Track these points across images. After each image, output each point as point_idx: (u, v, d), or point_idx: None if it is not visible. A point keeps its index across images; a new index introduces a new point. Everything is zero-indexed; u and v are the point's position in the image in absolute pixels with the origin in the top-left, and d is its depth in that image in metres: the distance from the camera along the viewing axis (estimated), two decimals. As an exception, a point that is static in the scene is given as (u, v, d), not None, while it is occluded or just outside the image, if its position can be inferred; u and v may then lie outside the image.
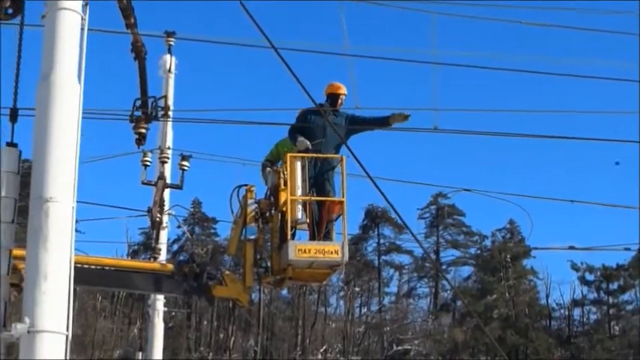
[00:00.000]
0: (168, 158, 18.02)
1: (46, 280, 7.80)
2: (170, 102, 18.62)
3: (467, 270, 76.65)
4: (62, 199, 7.98)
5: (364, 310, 75.80)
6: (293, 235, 12.80)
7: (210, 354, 67.09)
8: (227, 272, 13.07)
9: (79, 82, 8.41)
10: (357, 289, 73.76)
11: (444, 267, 75.43)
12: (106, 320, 69.09)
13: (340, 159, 13.26)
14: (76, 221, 8.33)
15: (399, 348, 67.06)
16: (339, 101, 14.10)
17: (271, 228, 13.20)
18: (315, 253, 12.46)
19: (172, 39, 19.31)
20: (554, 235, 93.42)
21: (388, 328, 68.94)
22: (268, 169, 13.74)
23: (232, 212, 13.32)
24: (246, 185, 13.34)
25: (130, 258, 54.83)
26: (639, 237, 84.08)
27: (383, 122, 14.02)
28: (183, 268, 12.69)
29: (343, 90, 14.20)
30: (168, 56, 19.62)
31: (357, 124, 13.97)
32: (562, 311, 72.56)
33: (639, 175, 59.51)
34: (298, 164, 13.03)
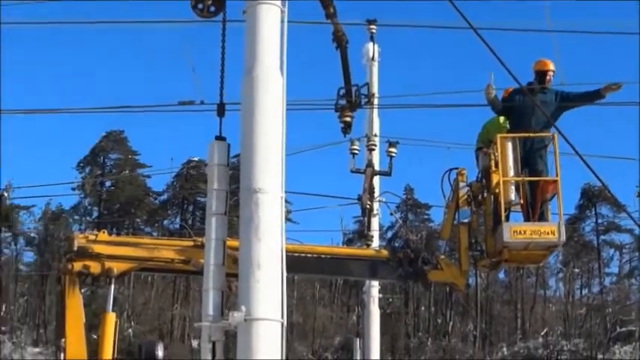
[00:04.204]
0: (375, 145, 18.07)
1: (260, 269, 7.93)
2: (375, 89, 18.67)
3: (692, 247, 73.11)
4: (271, 190, 8.09)
5: (585, 291, 73.86)
6: (507, 217, 12.55)
7: (429, 339, 67.05)
8: (442, 257, 12.97)
9: (282, 74, 8.48)
10: (576, 270, 71.88)
11: (666, 245, 72.27)
12: (324, 308, 70.34)
13: (552, 137, 12.91)
14: (290, 211, 8.42)
15: (623, 329, 64.77)
16: (547, 77, 13.71)
17: (484, 210, 13.05)
18: (531, 234, 12.21)
19: (374, 26, 19.40)
20: None
21: (610, 310, 66.78)
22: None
23: (444, 196, 13.24)
24: (456, 168, 13.20)
25: (345, 246, 55.50)
26: None
27: (594, 95, 13.52)
28: (397, 254, 12.69)
29: (551, 66, 13.80)
30: (370, 44, 19.74)
31: (569, 100, 13.57)
32: None
33: None
34: (509, 144, 12.78)
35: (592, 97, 13.55)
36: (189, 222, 70.66)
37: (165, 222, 76.74)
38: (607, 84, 13.39)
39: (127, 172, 76.05)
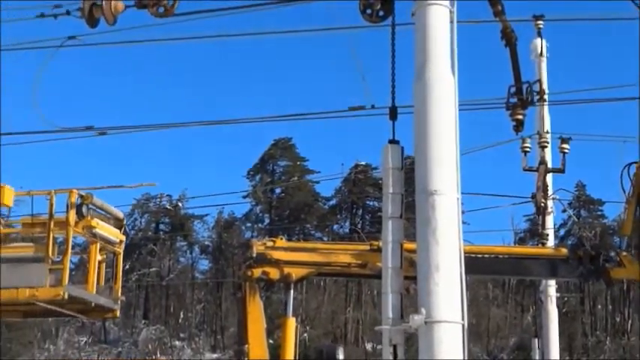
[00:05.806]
0: (547, 143, 17.81)
1: (438, 271, 7.93)
2: (544, 85, 18.38)
3: None
4: (447, 191, 8.08)
5: None
6: (690, 212, 12.12)
7: (607, 338, 65.31)
8: (624, 253, 12.64)
9: (454, 75, 8.44)
10: None
11: None
12: (498, 309, 69.52)
13: None
14: (462, 212, 8.36)
15: None
16: None
17: (667, 204, 12.61)
18: None
19: (541, 22, 19.09)
20: None
21: None
22: None
23: (624, 192, 12.87)
24: (636, 162, 12.81)
25: (516, 245, 54.71)
26: None
27: None
28: (578, 252, 12.43)
29: None
30: (538, 40, 19.47)
31: None
32: None
33: None
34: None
35: None
36: (359, 226, 71.10)
37: (335, 226, 77.53)
38: None
39: (296, 178, 77.20)
